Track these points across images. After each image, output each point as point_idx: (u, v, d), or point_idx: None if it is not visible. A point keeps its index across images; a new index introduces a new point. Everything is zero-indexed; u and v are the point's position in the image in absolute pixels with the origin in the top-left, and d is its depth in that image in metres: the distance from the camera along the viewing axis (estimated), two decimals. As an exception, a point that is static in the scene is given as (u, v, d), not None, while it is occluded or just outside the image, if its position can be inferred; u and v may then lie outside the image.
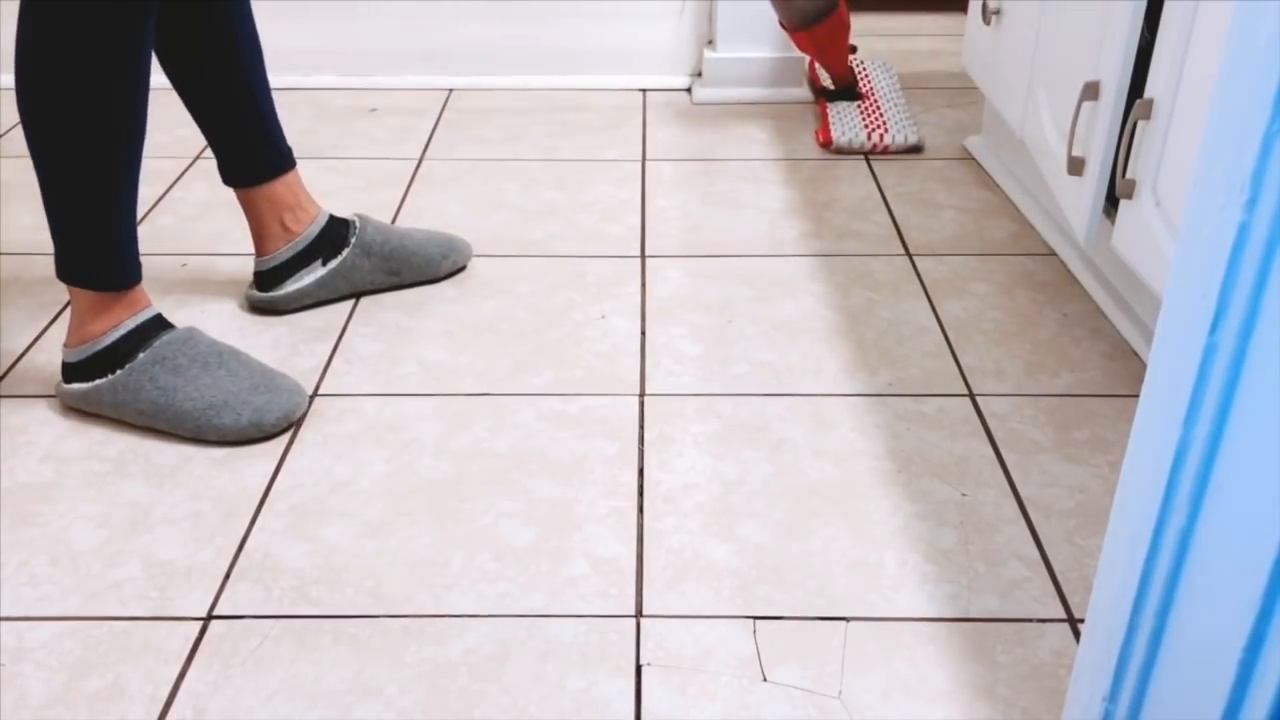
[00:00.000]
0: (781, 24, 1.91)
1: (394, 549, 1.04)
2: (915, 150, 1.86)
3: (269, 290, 1.39)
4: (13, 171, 1.79)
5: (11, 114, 1.99)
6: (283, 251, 1.38)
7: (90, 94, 1.09)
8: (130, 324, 1.20)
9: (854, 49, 2.01)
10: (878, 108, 1.97)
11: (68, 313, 1.40)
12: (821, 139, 1.88)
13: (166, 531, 1.07)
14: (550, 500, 1.10)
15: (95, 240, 1.16)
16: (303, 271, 1.39)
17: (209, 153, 1.87)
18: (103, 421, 1.21)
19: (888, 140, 1.86)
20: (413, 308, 1.43)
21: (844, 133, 1.86)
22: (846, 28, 1.92)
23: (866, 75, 2.12)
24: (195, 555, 1.04)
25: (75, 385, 1.21)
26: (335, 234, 1.41)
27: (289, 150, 1.37)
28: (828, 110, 1.97)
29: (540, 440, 1.19)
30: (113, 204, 1.15)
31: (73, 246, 1.17)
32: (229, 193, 1.73)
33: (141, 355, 1.19)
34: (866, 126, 1.89)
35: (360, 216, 1.43)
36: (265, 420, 1.17)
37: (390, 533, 1.06)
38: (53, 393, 1.25)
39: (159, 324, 1.22)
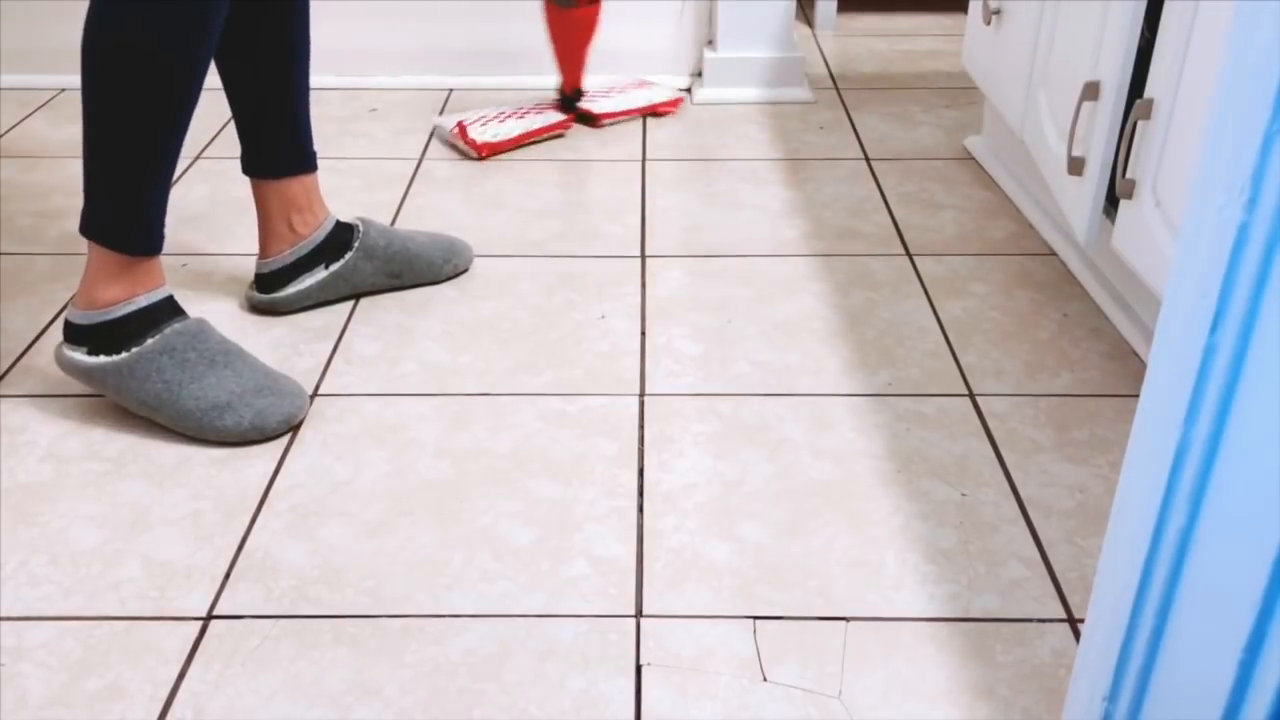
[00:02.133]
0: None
1: (394, 549, 1.04)
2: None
3: (270, 292, 1.39)
4: (13, 171, 1.79)
5: (11, 114, 1.99)
6: (286, 254, 1.38)
7: (157, 66, 1.09)
8: (143, 300, 1.18)
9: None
10: (613, 86, 2.04)
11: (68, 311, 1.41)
12: (674, 105, 2.03)
13: (166, 531, 1.07)
14: (550, 500, 1.10)
15: (125, 199, 1.15)
16: (305, 275, 1.39)
17: (209, 152, 1.87)
18: (103, 421, 1.21)
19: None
20: (413, 308, 1.43)
21: (665, 92, 2.02)
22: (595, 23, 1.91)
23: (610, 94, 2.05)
24: (195, 555, 1.04)
25: (76, 356, 1.18)
26: (339, 238, 1.41)
27: (313, 153, 1.38)
28: (612, 110, 1.98)
29: (540, 440, 1.19)
30: (152, 168, 1.14)
31: (101, 202, 1.15)
32: (229, 192, 1.74)
33: (150, 341, 1.17)
34: (640, 87, 2.04)
35: (363, 220, 1.43)
36: (267, 424, 1.17)
37: (390, 533, 1.06)
38: (53, 392, 1.25)
39: (171, 308, 1.21)
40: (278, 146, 1.34)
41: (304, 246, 1.38)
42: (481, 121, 1.88)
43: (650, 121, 2.01)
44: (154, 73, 1.10)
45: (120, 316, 1.17)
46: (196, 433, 1.17)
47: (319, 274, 1.40)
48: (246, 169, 1.36)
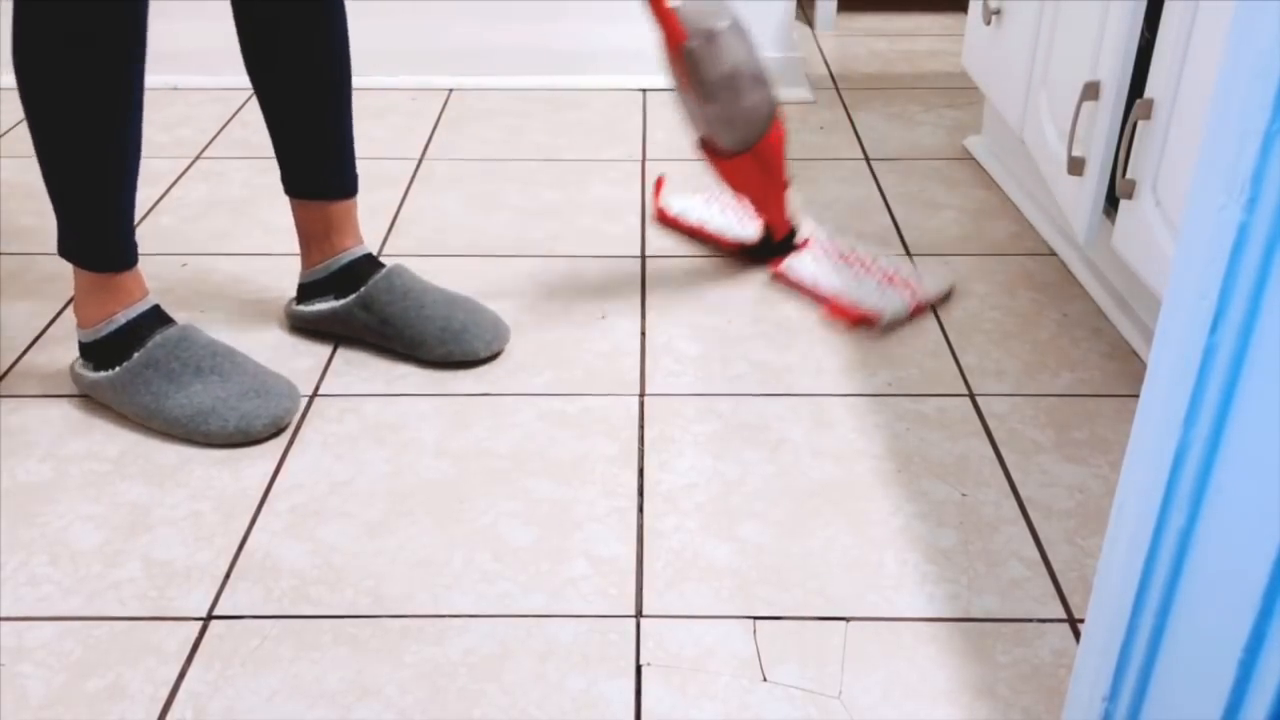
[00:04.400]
0: (706, 148, 1.43)
1: (394, 549, 1.04)
2: (947, 296, 1.44)
3: (294, 304, 1.37)
4: (13, 171, 1.79)
5: (11, 114, 1.99)
6: (305, 274, 1.35)
7: (83, 83, 1.10)
8: (122, 318, 1.21)
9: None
10: (852, 253, 1.51)
11: (69, 311, 1.41)
12: (852, 317, 1.38)
13: (166, 531, 1.07)
14: (550, 500, 1.10)
15: (82, 217, 1.18)
16: (317, 299, 1.35)
17: (209, 152, 1.87)
18: (103, 421, 1.21)
19: (921, 293, 1.41)
20: (413, 308, 1.43)
21: (882, 302, 1.39)
22: (785, 137, 1.44)
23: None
24: (195, 555, 1.04)
25: (83, 372, 1.23)
26: (357, 274, 1.33)
27: (332, 183, 1.31)
28: (793, 275, 1.46)
29: (540, 440, 1.19)
30: (103, 188, 1.16)
31: (66, 224, 1.19)
32: (229, 192, 1.74)
33: (136, 356, 1.19)
34: (882, 283, 1.43)
35: (393, 271, 1.32)
36: (252, 427, 1.17)
37: (390, 533, 1.06)
38: (53, 392, 1.26)
39: (156, 319, 1.23)
40: (288, 165, 1.31)
41: (317, 272, 1.34)
42: (702, 199, 1.63)
43: (650, 121, 2.01)
44: (72, 79, 1.09)
45: (105, 336, 1.21)
46: (185, 437, 1.18)
47: (328, 302, 1.34)
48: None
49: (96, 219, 1.18)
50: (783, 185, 1.45)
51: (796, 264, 1.48)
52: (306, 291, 1.36)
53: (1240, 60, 0.51)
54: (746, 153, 1.40)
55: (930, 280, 1.43)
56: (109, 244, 1.20)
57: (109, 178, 1.16)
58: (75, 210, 1.18)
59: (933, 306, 1.41)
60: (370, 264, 1.35)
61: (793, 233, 1.52)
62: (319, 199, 1.32)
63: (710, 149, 1.42)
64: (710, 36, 1.33)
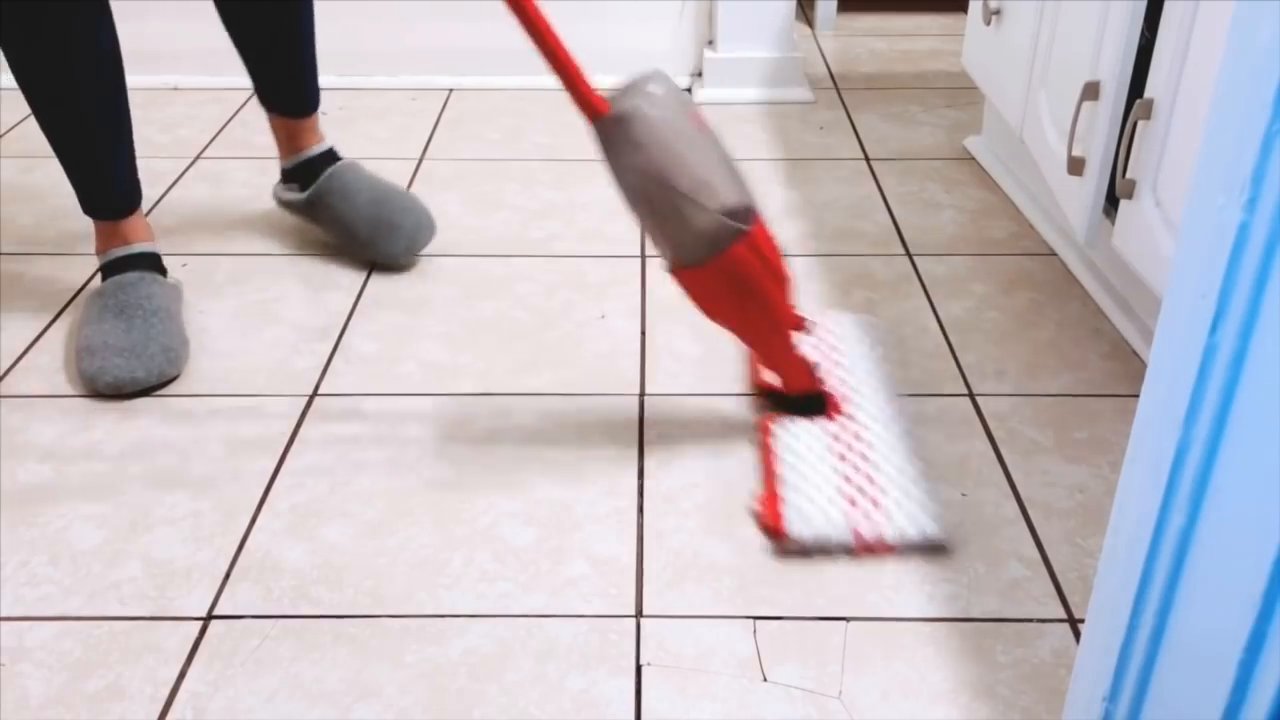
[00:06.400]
0: (669, 269, 1.06)
1: (394, 549, 1.04)
2: (937, 548, 1.04)
3: (279, 184, 1.57)
4: (13, 171, 1.79)
5: (12, 114, 1.99)
6: (282, 162, 1.54)
7: (46, 61, 1.24)
8: (112, 254, 1.39)
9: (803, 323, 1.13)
10: (865, 459, 1.11)
11: (68, 312, 1.41)
12: (764, 516, 1.06)
13: (166, 531, 1.07)
14: (550, 500, 1.10)
15: (68, 168, 1.34)
16: (290, 186, 1.55)
17: (209, 152, 1.87)
18: (103, 421, 1.21)
19: (887, 535, 1.03)
20: (413, 307, 1.43)
21: (806, 520, 1.04)
22: (777, 259, 1.06)
23: (836, 357, 1.25)
24: (195, 555, 1.04)
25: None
26: (314, 170, 1.52)
27: (295, 104, 1.48)
28: (774, 456, 1.12)
29: (540, 440, 1.19)
30: (70, 144, 1.31)
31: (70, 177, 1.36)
32: (229, 192, 1.74)
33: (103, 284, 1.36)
34: (846, 501, 1.05)
35: (338, 169, 1.50)
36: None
37: (390, 533, 1.06)
38: (53, 393, 1.26)
39: (126, 263, 1.38)
40: (255, 82, 1.47)
41: (287, 163, 1.54)
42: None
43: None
44: (19, 58, 1.24)
45: (101, 263, 1.39)
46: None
47: (295, 193, 1.53)
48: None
49: (76, 171, 1.34)
50: (778, 322, 1.08)
51: (785, 429, 1.15)
52: (286, 175, 1.56)
53: (1240, 60, 0.51)
54: (703, 268, 1.03)
55: (909, 524, 1.03)
56: (88, 193, 1.35)
57: (73, 138, 1.31)
58: (62, 160, 1.33)
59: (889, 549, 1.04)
60: (325, 160, 1.52)
61: (819, 395, 1.16)
62: (270, 111, 1.50)
63: (672, 265, 1.06)
64: (620, 118, 0.99)
